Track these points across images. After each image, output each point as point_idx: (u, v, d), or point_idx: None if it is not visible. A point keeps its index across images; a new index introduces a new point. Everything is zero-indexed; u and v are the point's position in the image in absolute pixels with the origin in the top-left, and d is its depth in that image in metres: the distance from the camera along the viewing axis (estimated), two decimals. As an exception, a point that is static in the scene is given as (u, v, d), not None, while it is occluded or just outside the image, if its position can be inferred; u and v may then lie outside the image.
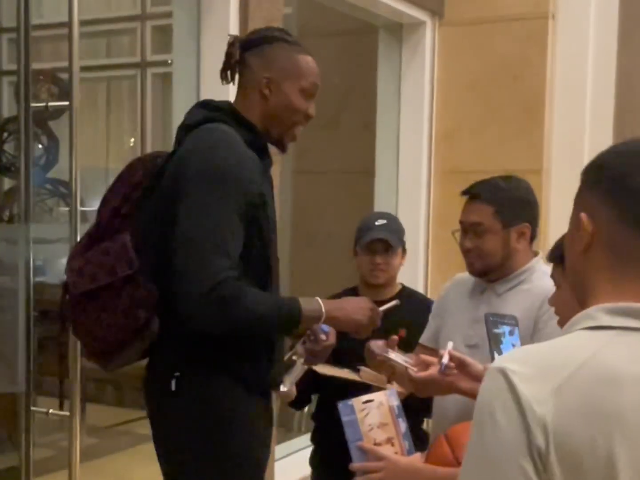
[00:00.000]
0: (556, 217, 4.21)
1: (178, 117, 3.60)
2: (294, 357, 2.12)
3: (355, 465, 1.78)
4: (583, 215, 1.10)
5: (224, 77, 2.09)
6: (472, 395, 1.93)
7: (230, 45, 2.07)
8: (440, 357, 1.95)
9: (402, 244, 2.79)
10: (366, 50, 4.93)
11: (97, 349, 2.01)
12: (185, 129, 2.04)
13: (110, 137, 6.88)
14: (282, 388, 2.12)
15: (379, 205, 4.69)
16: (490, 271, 2.29)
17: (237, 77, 2.11)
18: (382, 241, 2.71)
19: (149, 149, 6.33)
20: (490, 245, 2.25)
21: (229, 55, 2.07)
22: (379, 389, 2.33)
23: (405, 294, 2.80)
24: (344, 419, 1.79)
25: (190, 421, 1.95)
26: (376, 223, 2.77)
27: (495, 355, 1.82)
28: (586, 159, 4.33)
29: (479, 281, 2.33)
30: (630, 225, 1.07)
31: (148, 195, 2.02)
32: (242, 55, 2.06)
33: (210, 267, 1.82)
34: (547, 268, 1.84)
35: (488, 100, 4.55)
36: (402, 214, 4.31)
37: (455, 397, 1.99)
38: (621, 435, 0.97)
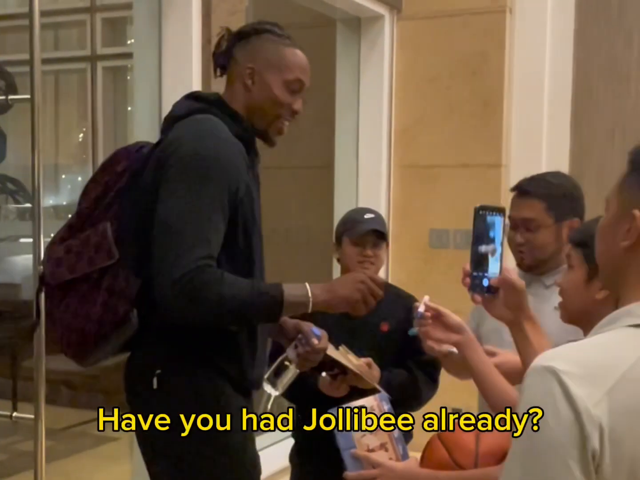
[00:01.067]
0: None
1: (139, 109, 3.55)
2: (286, 362, 2.06)
3: (350, 474, 1.73)
4: (637, 212, 1.09)
5: (214, 69, 2.08)
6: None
7: (221, 37, 2.07)
8: (416, 307, 1.91)
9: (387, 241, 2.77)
10: (324, 44, 4.88)
11: (74, 342, 1.92)
12: (172, 119, 1.99)
13: (60, 132, 6.72)
14: (274, 392, 2.06)
15: (339, 201, 4.66)
16: (540, 265, 2.32)
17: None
18: (375, 233, 2.68)
19: (100, 144, 6.21)
20: (542, 239, 2.28)
21: (216, 47, 2.07)
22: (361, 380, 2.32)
23: (387, 288, 2.76)
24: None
25: (174, 418, 1.88)
26: (365, 216, 2.73)
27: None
28: (544, 153, 4.41)
29: (521, 275, 2.30)
30: None
31: (131, 185, 1.96)
32: (230, 47, 2.05)
33: (187, 255, 1.75)
34: None
35: (447, 95, 4.55)
36: (362, 209, 4.27)
37: None
38: None
